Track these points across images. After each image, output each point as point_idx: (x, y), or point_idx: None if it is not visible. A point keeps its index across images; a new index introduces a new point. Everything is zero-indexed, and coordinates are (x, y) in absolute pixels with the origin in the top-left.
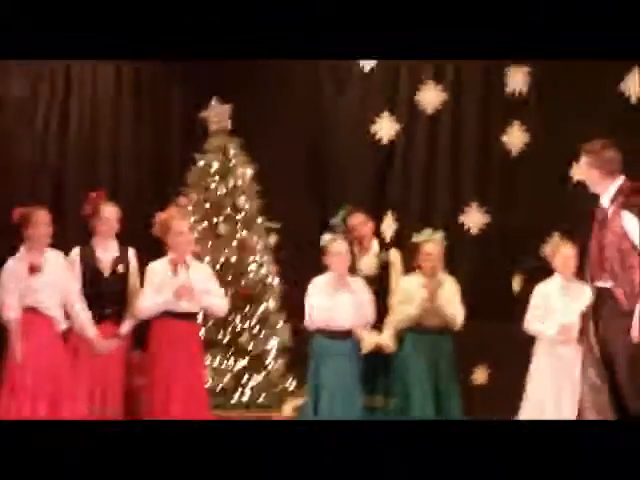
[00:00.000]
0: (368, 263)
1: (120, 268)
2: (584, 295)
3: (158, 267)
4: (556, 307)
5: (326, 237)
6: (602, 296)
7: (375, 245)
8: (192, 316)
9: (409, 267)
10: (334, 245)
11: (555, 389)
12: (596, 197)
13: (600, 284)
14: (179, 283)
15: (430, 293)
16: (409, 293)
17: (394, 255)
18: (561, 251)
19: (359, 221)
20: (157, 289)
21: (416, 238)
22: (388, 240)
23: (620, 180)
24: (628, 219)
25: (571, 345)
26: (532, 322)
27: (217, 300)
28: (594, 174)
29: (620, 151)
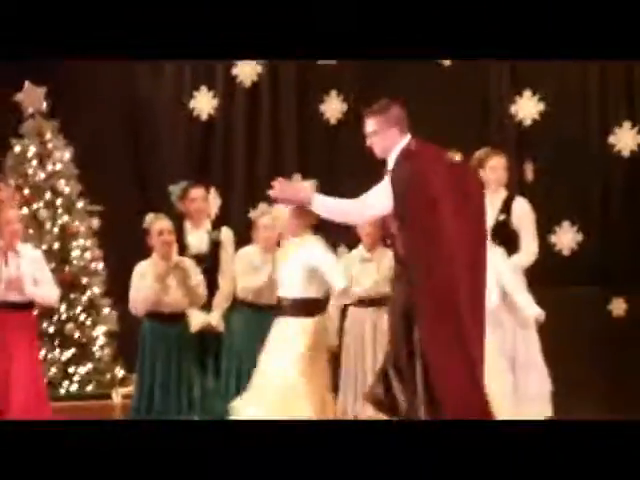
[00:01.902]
0: (199, 240)
1: None
2: None
3: None
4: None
5: (149, 217)
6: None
7: (207, 223)
8: (27, 306)
9: (242, 243)
10: (157, 224)
11: None
12: None
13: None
14: (9, 274)
15: (274, 267)
16: (254, 265)
17: (226, 234)
18: None
19: (200, 195)
20: None
21: (253, 214)
22: (213, 217)
23: (406, 139)
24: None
25: None
26: None
27: (47, 290)
28: (391, 132)
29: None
